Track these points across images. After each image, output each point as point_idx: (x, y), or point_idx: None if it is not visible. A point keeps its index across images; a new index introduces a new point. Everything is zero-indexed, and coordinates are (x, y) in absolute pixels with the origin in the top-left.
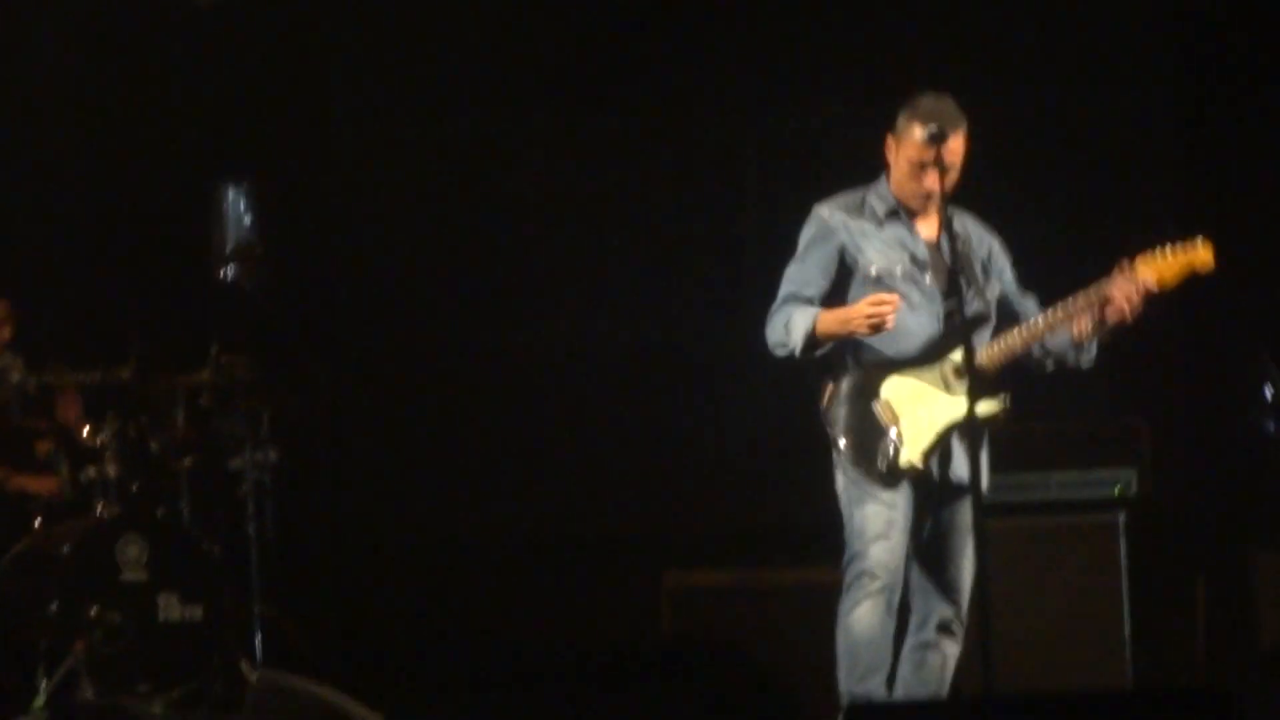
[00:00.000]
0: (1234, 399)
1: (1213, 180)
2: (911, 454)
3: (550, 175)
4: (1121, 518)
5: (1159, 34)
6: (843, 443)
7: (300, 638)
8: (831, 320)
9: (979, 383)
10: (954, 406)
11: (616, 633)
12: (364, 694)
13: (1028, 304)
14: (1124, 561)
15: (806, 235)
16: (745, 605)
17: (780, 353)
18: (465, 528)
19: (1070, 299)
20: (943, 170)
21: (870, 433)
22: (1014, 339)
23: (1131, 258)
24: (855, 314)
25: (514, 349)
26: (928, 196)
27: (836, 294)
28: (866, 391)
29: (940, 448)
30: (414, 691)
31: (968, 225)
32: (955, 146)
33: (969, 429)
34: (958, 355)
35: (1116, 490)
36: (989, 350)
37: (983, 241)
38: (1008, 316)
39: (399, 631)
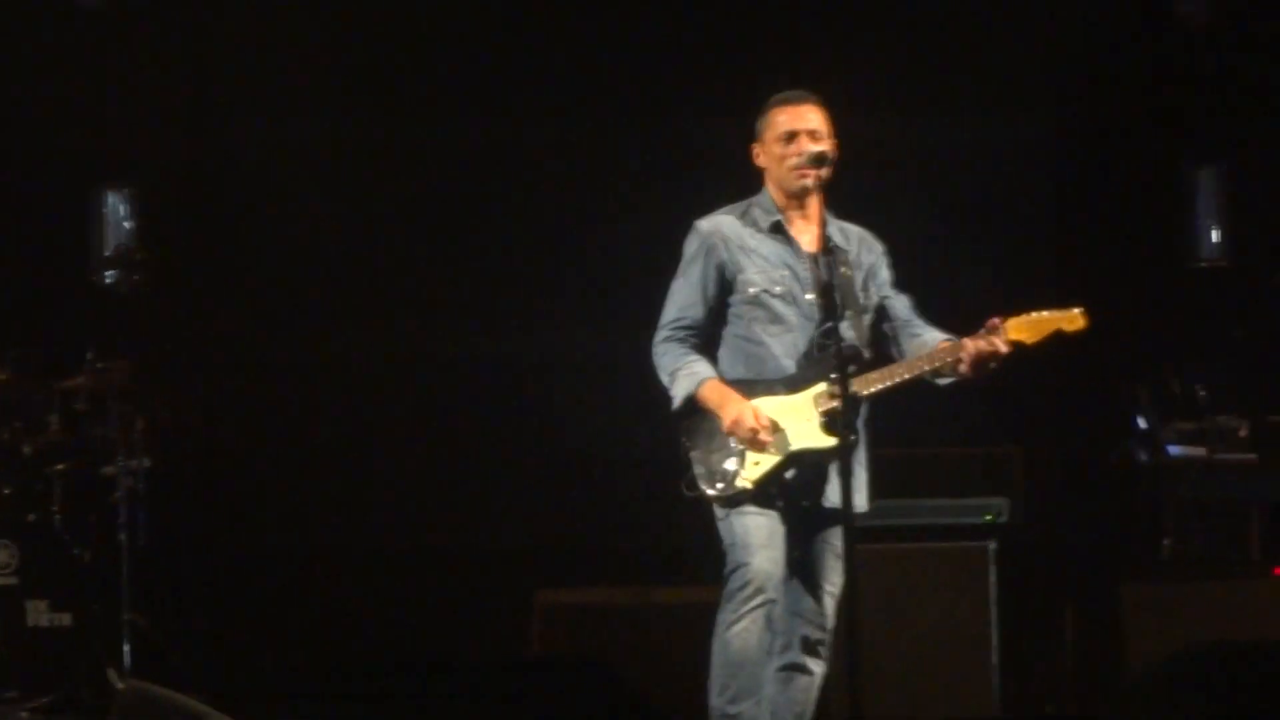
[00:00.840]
0: (1106, 428)
1: (1089, 206)
2: (748, 476)
3: (429, 184)
4: (992, 545)
5: (1040, 72)
6: (693, 456)
7: (168, 646)
8: (715, 400)
9: (839, 415)
10: (800, 435)
11: (488, 648)
12: (230, 705)
13: (899, 305)
14: (994, 588)
15: (688, 251)
16: (617, 624)
17: (668, 392)
18: (338, 538)
19: (937, 351)
20: (810, 134)
21: (719, 449)
22: (879, 380)
23: (1004, 317)
24: (737, 422)
25: (390, 359)
26: (803, 178)
27: (719, 310)
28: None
29: (782, 473)
30: (278, 703)
31: (850, 233)
32: (815, 115)
33: (824, 458)
34: (820, 386)
35: (987, 517)
36: (863, 383)
37: (867, 248)
38: (883, 319)
39: (266, 642)
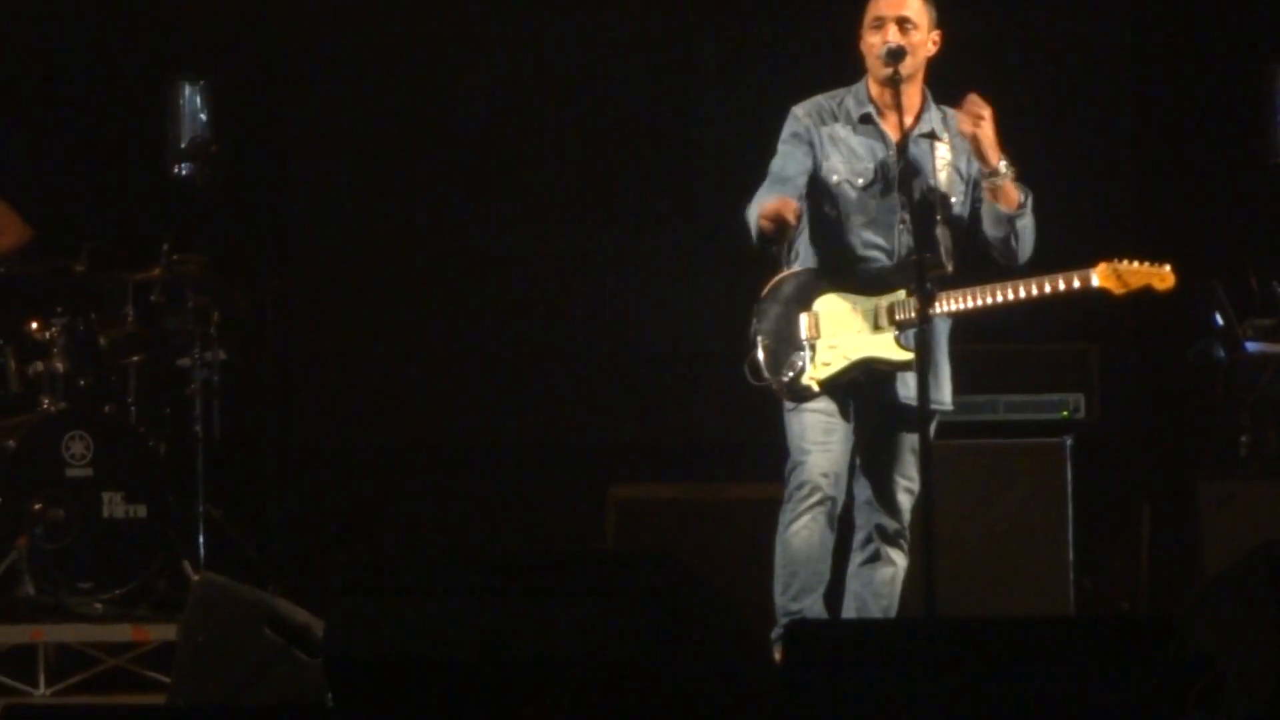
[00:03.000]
0: (1184, 325)
1: (1166, 105)
2: (816, 374)
3: (505, 82)
4: (1068, 441)
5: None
6: (760, 342)
7: (244, 540)
8: (769, 212)
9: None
10: (871, 344)
11: (561, 543)
12: (306, 598)
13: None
14: (1070, 485)
15: (785, 133)
16: (691, 519)
17: (748, 228)
18: (412, 432)
19: (1036, 282)
20: (899, 22)
21: (788, 341)
22: (958, 299)
23: (1091, 263)
24: (765, 210)
25: (467, 256)
26: (885, 69)
27: (813, 193)
28: (802, 298)
29: (851, 377)
30: (355, 596)
31: (950, 120)
32: (914, 4)
33: (894, 368)
34: (898, 295)
35: (1064, 413)
36: (945, 303)
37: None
38: (976, 212)
39: (343, 536)
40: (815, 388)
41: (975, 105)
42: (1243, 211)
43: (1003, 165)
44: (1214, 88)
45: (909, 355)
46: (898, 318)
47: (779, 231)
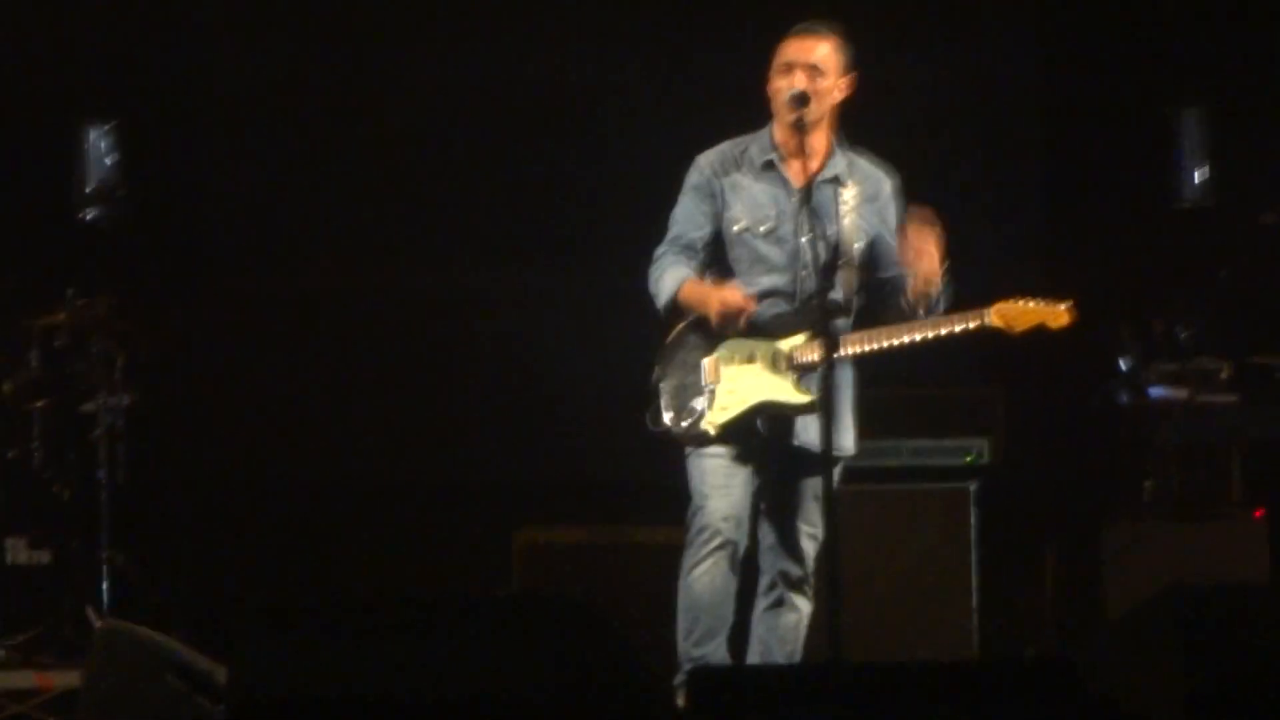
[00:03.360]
0: (1088, 370)
1: (1073, 148)
2: (713, 419)
3: (411, 118)
4: (973, 486)
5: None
6: (661, 388)
7: (147, 584)
8: (693, 294)
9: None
10: (770, 387)
11: (467, 585)
12: (209, 644)
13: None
14: (974, 529)
15: (688, 183)
16: (596, 562)
17: (657, 303)
18: (318, 475)
19: (932, 324)
20: (807, 69)
21: (690, 387)
22: (859, 343)
23: (990, 302)
24: (711, 301)
25: (370, 294)
26: (790, 114)
27: (717, 242)
28: (704, 344)
29: (749, 421)
30: (257, 640)
31: (858, 167)
32: (822, 48)
33: (792, 412)
34: (798, 338)
35: (969, 458)
36: (846, 346)
37: (874, 182)
38: (878, 259)
39: (245, 578)
40: (713, 432)
41: (921, 237)
42: (1148, 255)
43: (937, 294)
44: (1122, 131)
45: (808, 398)
46: (797, 361)
47: (726, 324)
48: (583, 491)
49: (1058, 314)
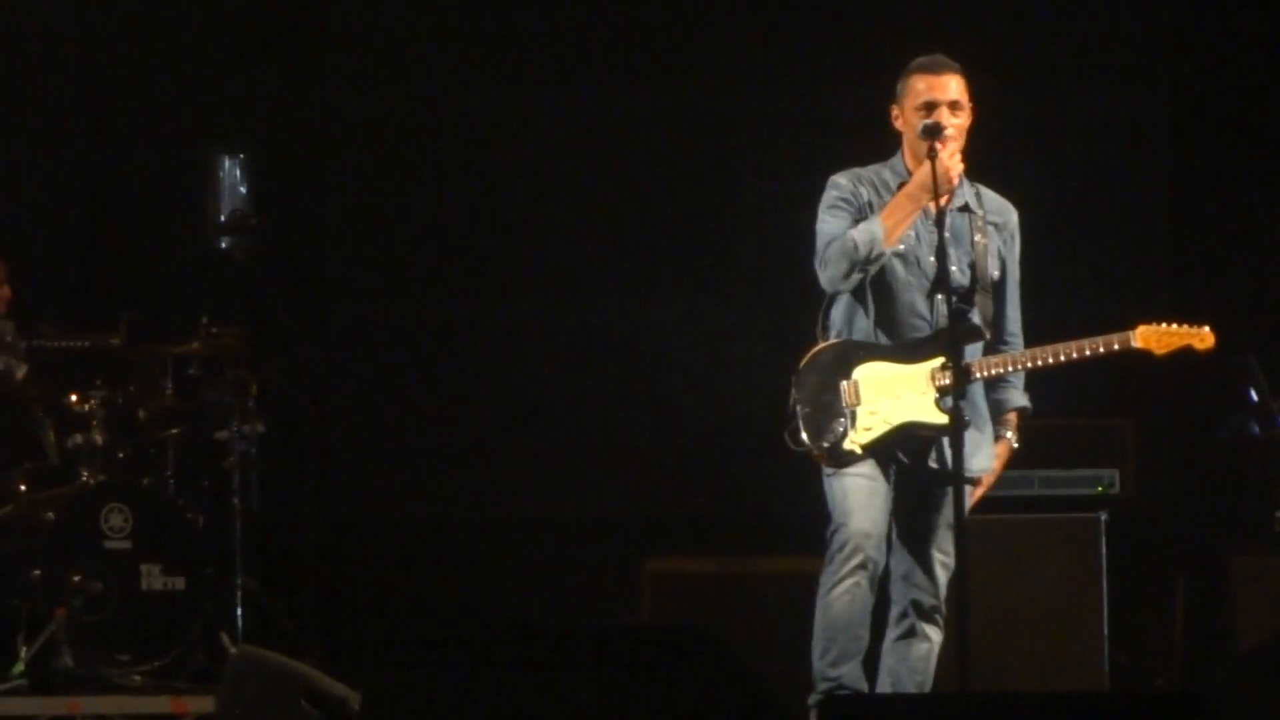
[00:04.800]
0: (1218, 401)
1: (1202, 179)
2: (857, 440)
3: (542, 153)
4: (1104, 516)
5: (1154, 45)
6: (800, 410)
7: (281, 612)
8: (895, 206)
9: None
10: (912, 409)
11: (596, 616)
12: (341, 670)
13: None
14: (1104, 560)
15: (828, 201)
16: (726, 592)
17: (844, 283)
18: (448, 506)
19: (1080, 344)
20: (951, 105)
21: (829, 409)
22: (1011, 364)
23: (1134, 325)
24: (919, 182)
25: (503, 328)
26: (931, 148)
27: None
28: (841, 367)
29: (896, 442)
30: (390, 668)
31: (986, 199)
32: (956, 84)
33: (936, 433)
34: (937, 361)
35: (1099, 489)
36: (982, 366)
37: (1003, 216)
38: (998, 299)
39: (379, 608)
40: (858, 451)
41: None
42: (1278, 283)
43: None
44: (1249, 160)
45: (951, 420)
46: (938, 383)
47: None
48: (710, 523)
49: (1203, 336)
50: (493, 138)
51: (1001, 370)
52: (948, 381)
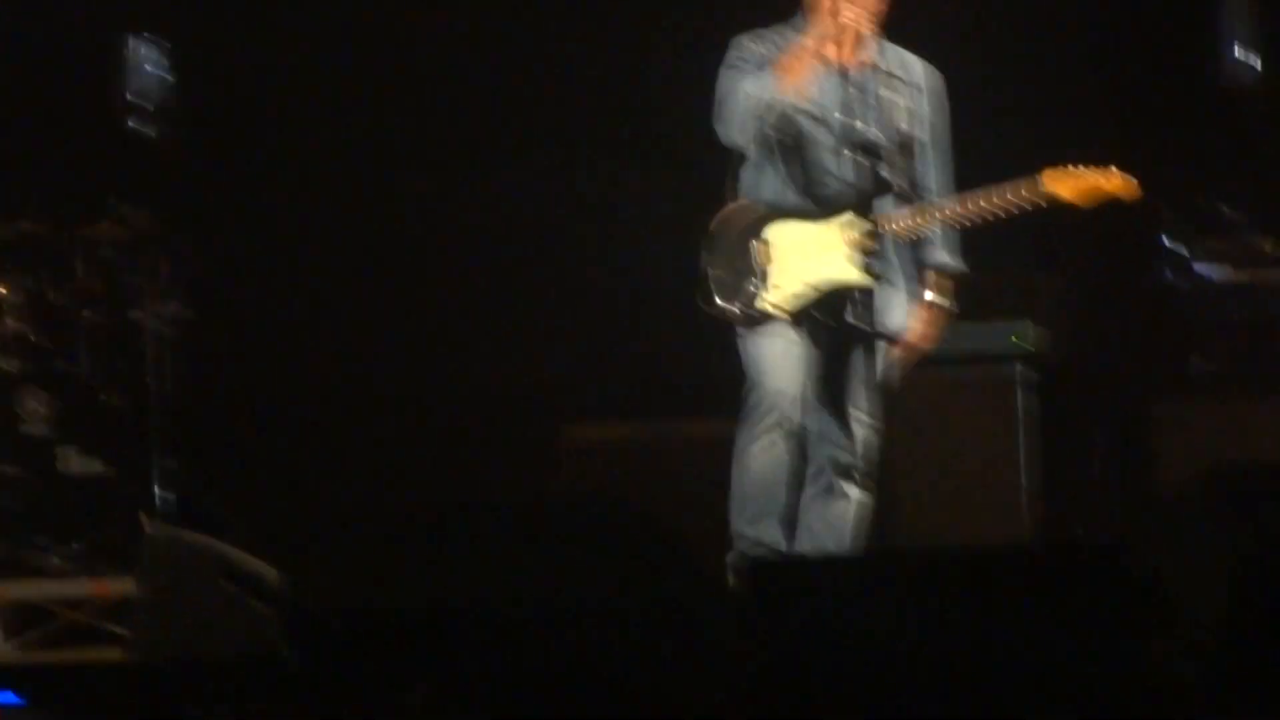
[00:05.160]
0: (1133, 249)
1: (1116, 26)
2: (770, 299)
3: (469, 43)
4: (1020, 368)
5: None
6: (711, 272)
7: (200, 492)
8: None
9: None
10: (826, 266)
11: (514, 485)
12: (262, 550)
13: (929, 155)
14: (1021, 411)
15: (727, 59)
16: (645, 458)
17: (738, 135)
18: (368, 383)
19: (991, 193)
20: None
21: (741, 269)
22: (909, 219)
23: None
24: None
25: (421, 205)
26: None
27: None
28: (752, 227)
29: (809, 300)
30: (312, 546)
31: (904, 60)
32: None
33: (850, 289)
34: (847, 215)
35: (1015, 339)
36: (893, 219)
37: (919, 77)
38: (920, 166)
39: (299, 487)
40: (770, 310)
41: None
42: (1193, 132)
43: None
44: (1168, 10)
45: (864, 274)
46: (848, 239)
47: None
48: (628, 387)
49: (1109, 175)
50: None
51: (910, 224)
52: (861, 237)
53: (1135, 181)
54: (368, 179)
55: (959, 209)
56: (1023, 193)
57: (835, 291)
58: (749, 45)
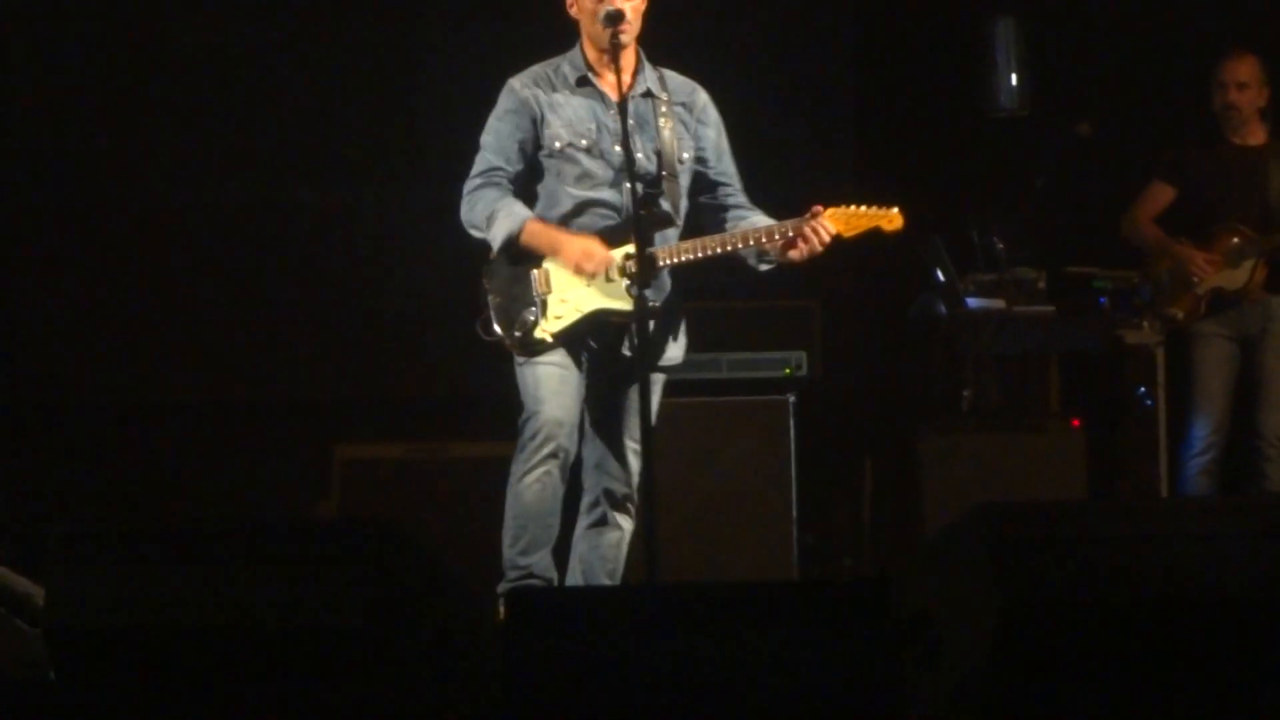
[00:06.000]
0: (904, 281)
1: (888, 57)
2: (548, 328)
3: (227, 38)
4: (791, 398)
5: None
6: (491, 300)
7: None
8: (545, 238)
9: (640, 280)
10: (602, 296)
11: (286, 504)
12: (26, 565)
13: (727, 176)
14: (793, 442)
15: (500, 108)
16: (418, 479)
17: (474, 234)
18: (137, 392)
19: (765, 229)
20: None
21: (520, 298)
22: (688, 251)
23: (824, 205)
24: (567, 253)
25: (189, 209)
26: (617, 34)
27: (533, 165)
28: (532, 256)
29: (587, 330)
30: (75, 564)
31: (671, 82)
32: None
33: (627, 318)
34: (628, 248)
35: (787, 370)
36: (670, 252)
37: (688, 97)
38: (702, 184)
39: (64, 500)
40: (549, 339)
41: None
42: (964, 165)
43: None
44: (936, 40)
45: (638, 305)
46: (626, 270)
47: (584, 274)
48: (402, 408)
49: (891, 217)
50: (169, 12)
51: (690, 256)
52: (635, 268)
53: (901, 219)
54: (136, 185)
55: (739, 244)
56: (804, 229)
57: (614, 321)
58: (519, 93)
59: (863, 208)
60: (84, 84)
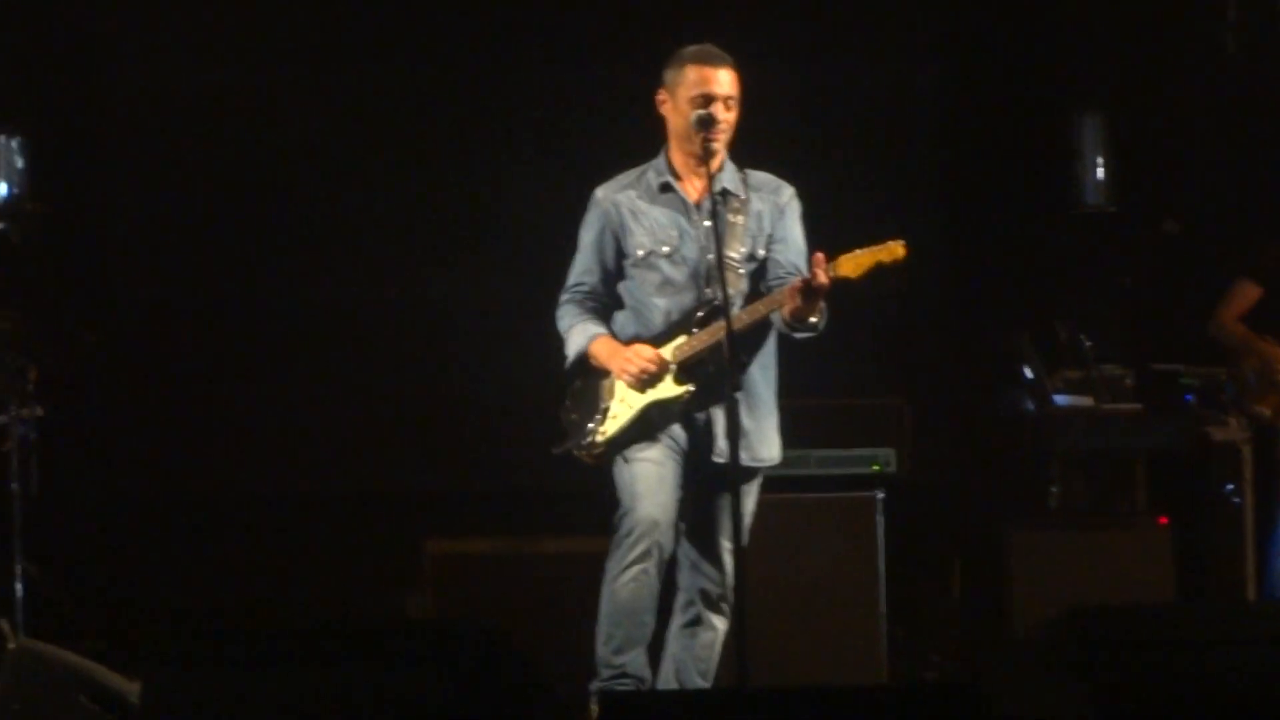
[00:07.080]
0: (993, 378)
1: (975, 154)
2: (605, 430)
3: (323, 129)
4: (880, 495)
5: (928, 20)
6: (566, 417)
7: (61, 597)
8: (604, 354)
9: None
10: (653, 390)
11: (380, 596)
12: (123, 658)
13: (793, 258)
14: (881, 539)
15: (587, 217)
16: (509, 574)
17: (560, 329)
18: (230, 488)
19: (770, 297)
20: (725, 101)
21: (589, 406)
22: (719, 330)
23: (831, 257)
24: (620, 364)
25: (281, 308)
26: (708, 142)
27: (618, 274)
28: (603, 371)
29: (642, 426)
30: (170, 662)
31: (754, 180)
32: (729, 79)
33: (683, 408)
34: (680, 339)
35: (875, 467)
36: (704, 335)
37: (767, 193)
38: (773, 271)
39: (162, 593)
40: (604, 439)
41: (817, 279)
42: (1051, 261)
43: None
44: (1023, 136)
45: (685, 388)
46: (676, 360)
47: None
48: (493, 502)
49: (890, 249)
50: (275, 119)
51: (716, 339)
52: (688, 355)
53: (904, 248)
54: (233, 281)
55: (760, 308)
56: (811, 281)
57: (667, 411)
58: (602, 203)
59: (864, 249)
60: (192, 177)
